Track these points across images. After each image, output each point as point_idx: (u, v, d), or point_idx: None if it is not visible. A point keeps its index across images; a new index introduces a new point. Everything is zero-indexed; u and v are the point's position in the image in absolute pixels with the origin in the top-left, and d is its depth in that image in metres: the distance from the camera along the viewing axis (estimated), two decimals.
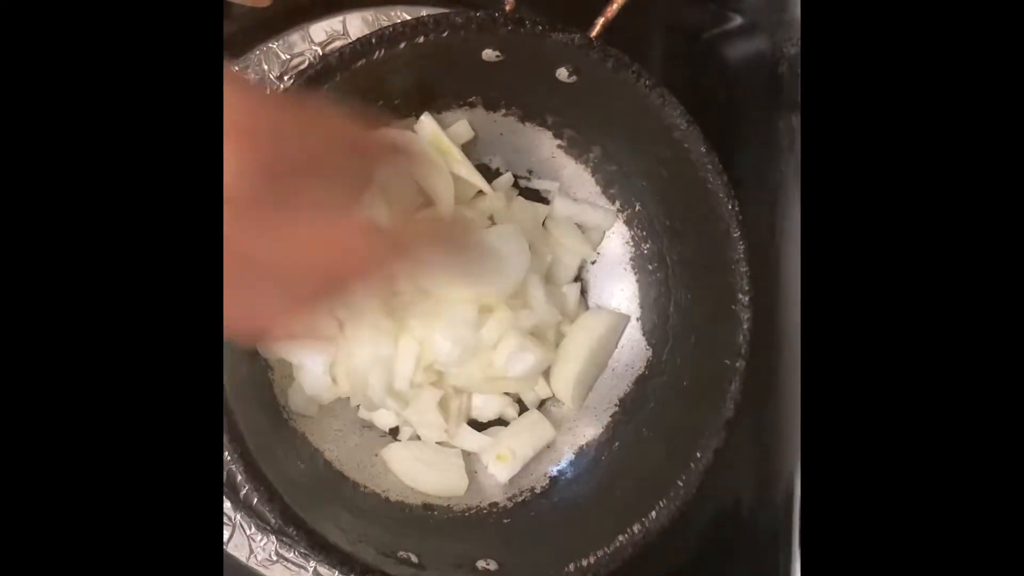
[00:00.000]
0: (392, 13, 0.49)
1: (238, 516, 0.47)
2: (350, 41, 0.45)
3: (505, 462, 0.52)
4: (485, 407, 0.52)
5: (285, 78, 0.48)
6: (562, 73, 0.48)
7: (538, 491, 0.53)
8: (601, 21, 0.47)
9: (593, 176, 0.54)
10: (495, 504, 0.52)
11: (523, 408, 0.54)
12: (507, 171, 0.54)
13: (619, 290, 0.55)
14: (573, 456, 0.53)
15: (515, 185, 0.54)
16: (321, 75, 0.43)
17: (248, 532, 0.48)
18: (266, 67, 0.49)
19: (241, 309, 0.30)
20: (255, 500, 0.43)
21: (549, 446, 0.53)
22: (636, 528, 0.46)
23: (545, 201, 0.55)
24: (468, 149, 0.52)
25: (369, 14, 0.49)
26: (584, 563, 0.46)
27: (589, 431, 0.54)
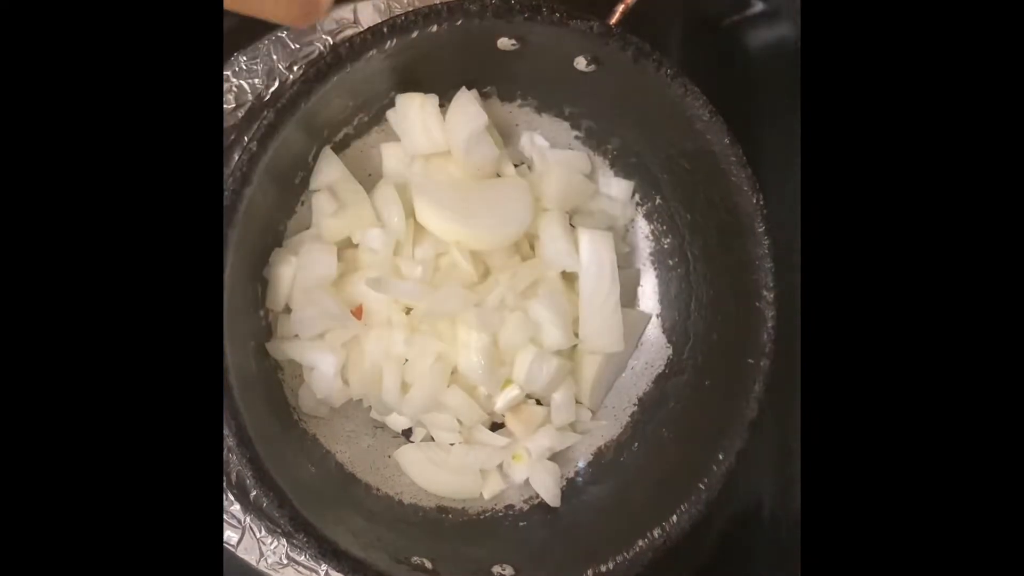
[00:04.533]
0: (405, 0, 0.48)
1: (248, 519, 0.46)
2: (361, 30, 0.44)
3: (521, 463, 0.51)
4: (501, 407, 0.51)
5: (295, 68, 0.47)
6: (580, 62, 0.46)
7: None
8: (621, 8, 0.46)
9: (612, 168, 0.53)
10: (511, 507, 0.51)
11: None
12: (522, 164, 0.53)
13: (639, 286, 0.54)
14: (591, 457, 0.52)
15: None
16: (332, 65, 0.42)
17: (258, 535, 0.47)
18: (275, 56, 0.47)
19: None
20: (264, 504, 0.42)
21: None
22: (656, 532, 0.45)
23: None
24: None
25: (381, 2, 0.48)
26: (603, 568, 0.45)
27: (608, 431, 0.52)
